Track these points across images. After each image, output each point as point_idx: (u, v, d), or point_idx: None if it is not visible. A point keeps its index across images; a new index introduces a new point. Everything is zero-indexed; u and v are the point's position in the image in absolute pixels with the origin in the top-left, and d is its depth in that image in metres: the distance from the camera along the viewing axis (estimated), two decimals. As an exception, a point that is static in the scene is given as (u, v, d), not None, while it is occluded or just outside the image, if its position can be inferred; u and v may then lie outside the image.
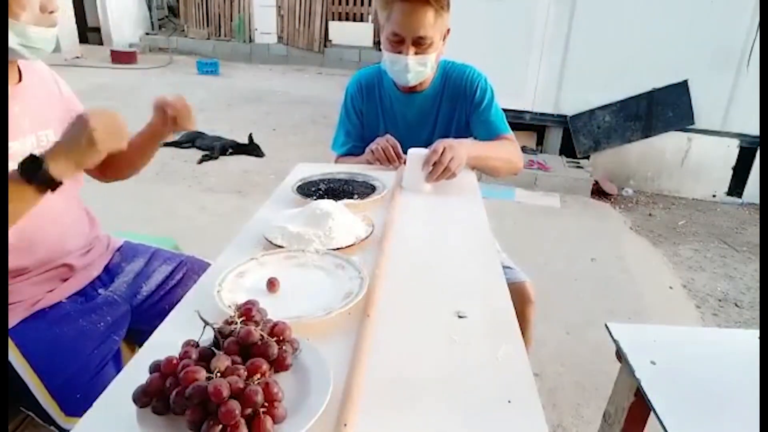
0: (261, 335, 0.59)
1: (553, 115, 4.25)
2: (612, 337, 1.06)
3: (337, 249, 0.94)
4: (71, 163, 0.85)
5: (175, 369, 0.55)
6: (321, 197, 1.20)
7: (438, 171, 1.26)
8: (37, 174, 0.82)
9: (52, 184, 0.83)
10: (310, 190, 1.27)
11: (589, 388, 1.88)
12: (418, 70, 1.42)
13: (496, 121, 1.54)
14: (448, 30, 1.45)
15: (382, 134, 1.53)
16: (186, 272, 1.25)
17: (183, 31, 10.61)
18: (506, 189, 3.82)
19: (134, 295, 1.17)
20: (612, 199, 3.94)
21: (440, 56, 1.48)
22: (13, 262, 0.98)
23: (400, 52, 1.40)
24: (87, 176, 1.17)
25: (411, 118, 1.58)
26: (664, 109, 3.96)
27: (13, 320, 0.98)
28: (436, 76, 1.55)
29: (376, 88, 1.60)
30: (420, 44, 1.38)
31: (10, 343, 0.96)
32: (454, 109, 1.56)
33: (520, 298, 1.36)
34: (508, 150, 1.50)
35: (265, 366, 0.56)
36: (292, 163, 1.51)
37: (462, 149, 1.30)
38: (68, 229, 1.09)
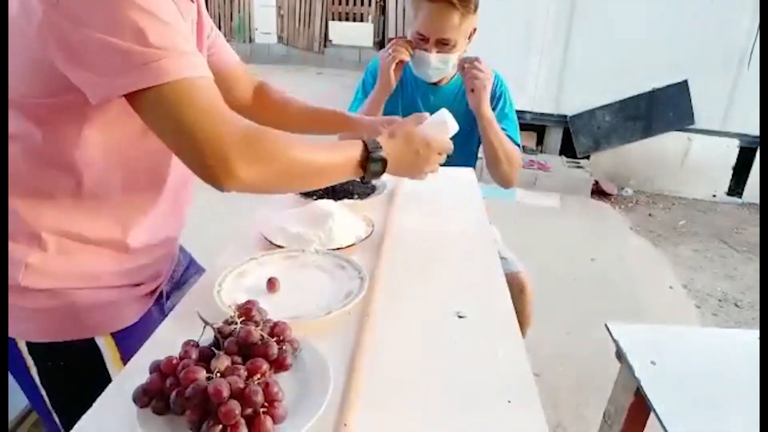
0: (261, 335, 0.59)
1: (553, 115, 4.26)
2: (612, 337, 1.06)
3: (337, 249, 0.94)
4: (397, 170, 0.89)
5: (175, 369, 0.55)
6: (321, 197, 1.20)
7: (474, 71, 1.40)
8: (375, 170, 0.83)
9: (369, 177, 0.84)
10: (310, 190, 1.27)
11: (589, 388, 1.88)
12: (439, 68, 1.46)
13: (509, 131, 1.58)
14: (475, 29, 1.47)
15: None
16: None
17: (183, 31, 10.61)
18: (506, 189, 3.82)
19: None
20: (612, 199, 3.94)
21: (464, 54, 1.51)
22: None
23: (424, 50, 1.43)
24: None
25: (430, 109, 1.57)
26: (664, 109, 3.96)
27: (136, 314, 0.89)
28: (460, 77, 1.57)
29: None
30: (443, 45, 1.42)
31: (113, 347, 0.86)
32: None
33: (514, 289, 1.39)
34: (513, 152, 1.55)
35: (265, 366, 0.56)
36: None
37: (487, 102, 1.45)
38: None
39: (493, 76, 1.47)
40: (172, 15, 0.67)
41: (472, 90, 1.45)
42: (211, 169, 0.67)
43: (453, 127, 1.03)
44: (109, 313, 0.86)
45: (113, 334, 0.86)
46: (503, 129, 1.56)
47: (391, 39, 1.53)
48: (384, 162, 0.83)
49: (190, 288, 1.05)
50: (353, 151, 0.82)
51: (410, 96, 1.60)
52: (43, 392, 0.86)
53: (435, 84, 1.59)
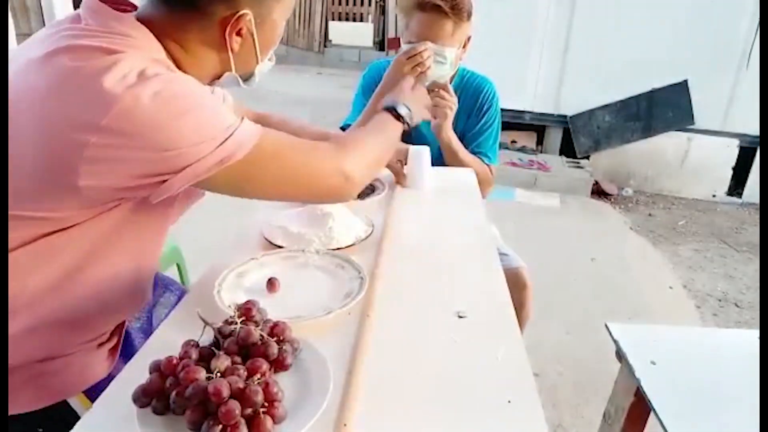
0: (261, 335, 0.59)
1: (553, 115, 4.25)
2: (612, 337, 1.06)
3: (337, 249, 0.94)
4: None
5: (175, 369, 0.55)
6: (321, 197, 1.20)
7: (437, 98, 1.41)
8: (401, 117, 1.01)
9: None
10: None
11: (589, 388, 1.88)
12: (443, 66, 1.42)
13: (486, 146, 1.59)
14: (469, 37, 1.46)
15: None
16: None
17: (183, 31, 10.61)
18: (506, 189, 3.82)
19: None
20: (612, 199, 3.94)
21: (458, 62, 1.49)
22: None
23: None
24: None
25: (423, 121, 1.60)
26: (664, 109, 3.96)
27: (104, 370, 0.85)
28: (453, 83, 1.56)
29: None
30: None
31: (89, 404, 0.82)
32: (467, 118, 1.60)
33: (515, 284, 1.41)
34: (480, 171, 1.53)
35: (265, 366, 0.56)
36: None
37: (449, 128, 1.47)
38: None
39: (455, 104, 1.44)
40: (211, 97, 0.71)
41: (435, 117, 1.44)
42: (336, 189, 0.79)
43: (426, 156, 1.33)
44: (77, 374, 0.83)
45: (86, 392, 0.83)
46: (480, 141, 1.58)
47: (392, 38, 1.53)
48: (410, 112, 1.03)
49: (164, 309, 1.04)
50: (388, 120, 1.00)
51: None
52: None
53: (429, 92, 1.57)
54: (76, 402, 0.83)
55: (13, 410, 0.77)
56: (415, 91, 1.13)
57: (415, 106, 1.07)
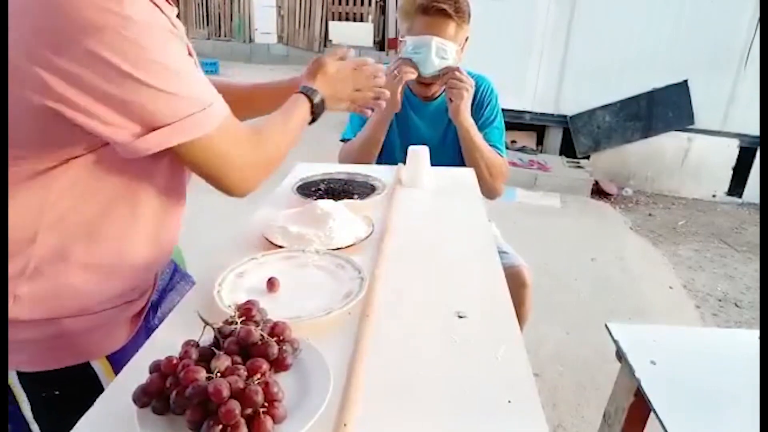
0: (261, 335, 0.59)
1: (553, 115, 4.26)
2: (612, 337, 1.06)
3: (337, 249, 0.94)
4: (335, 103, 1.03)
5: (175, 369, 0.55)
6: (321, 197, 1.20)
7: (453, 80, 1.43)
8: (320, 112, 0.98)
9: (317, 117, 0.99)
10: (310, 190, 1.27)
11: (589, 388, 1.88)
12: (444, 52, 1.43)
13: (494, 139, 1.59)
14: (467, 39, 1.48)
15: (394, 137, 1.58)
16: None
17: (183, 31, 10.61)
18: (506, 189, 3.81)
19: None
20: (612, 199, 3.94)
21: (457, 64, 1.51)
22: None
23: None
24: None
25: (424, 124, 1.61)
26: (664, 109, 3.96)
27: (123, 338, 0.86)
28: None
29: None
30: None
31: (110, 369, 0.84)
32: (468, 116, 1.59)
33: (515, 282, 1.42)
34: (496, 161, 1.55)
35: (265, 366, 0.56)
36: (292, 163, 1.50)
37: (467, 111, 1.46)
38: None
39: (472, 85, 1.46)
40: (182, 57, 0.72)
41: (451, 99, 1.46)
42: (235, 189, 0.81)
43: (425, 155, 1.31)
44: (102, 336, 0.83)
45: (108, 357, 0.84)
46: (486, 135, 1.57)
47: (392, 39, 1.53)
48: (323, 101, 0.98)
49: (177, 296, 1.05)
50: (302, 106, 0.95)
51: (404, 111, 1.59)
52: (35, 427, 0.82)
53: (428, 98, 1.59)
54: (98, 366, 0.83)
55: (32, 367, 0.78)
56: (337, 76, 1.03)
57: (333, 92, 1.01)
